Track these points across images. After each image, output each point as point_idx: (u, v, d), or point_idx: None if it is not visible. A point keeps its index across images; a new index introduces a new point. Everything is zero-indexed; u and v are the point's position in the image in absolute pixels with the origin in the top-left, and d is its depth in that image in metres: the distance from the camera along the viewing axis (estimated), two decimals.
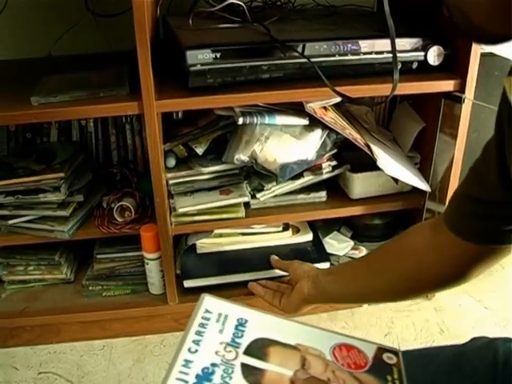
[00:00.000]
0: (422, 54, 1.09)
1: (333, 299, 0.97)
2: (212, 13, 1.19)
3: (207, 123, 1.18)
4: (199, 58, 0.97)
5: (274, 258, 1.22)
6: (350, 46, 1.05)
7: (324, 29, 1.15)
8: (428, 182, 1.24)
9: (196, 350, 0.54)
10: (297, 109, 1.11)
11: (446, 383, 0.67)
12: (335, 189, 1.28)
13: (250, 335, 0.57)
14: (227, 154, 1.16)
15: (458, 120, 1.12)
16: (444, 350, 0.73)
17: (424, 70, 1.10)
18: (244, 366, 0.53)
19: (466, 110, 1.11)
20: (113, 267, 1.27)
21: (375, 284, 0.84)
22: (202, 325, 0.58)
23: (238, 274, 1.24)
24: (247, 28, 1.13)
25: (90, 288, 1.26)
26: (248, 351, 0.55)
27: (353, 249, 1.35)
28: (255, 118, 1.09)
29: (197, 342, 0.55)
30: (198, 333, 0.56)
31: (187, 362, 0.53)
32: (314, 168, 1.20)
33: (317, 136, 1.15)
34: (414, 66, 1.10)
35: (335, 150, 1.21)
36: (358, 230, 1.39)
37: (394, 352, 0.60)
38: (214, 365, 0.53)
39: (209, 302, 0.62)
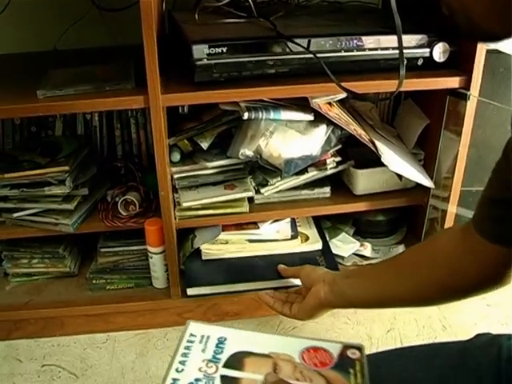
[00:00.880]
0: (428, 50, 1.09)
1: (351, 303, 0.93)
2: (218, 8, 1.19)
3: (212, 118, 1.18)
4: (205, 52, 0.98)
5: (282, 266, 1.19)
6: (355, 41, 1.05)
7: (329, 25, 1.16)
8: (432, 179, 1.24)
9: (182, 370, 0.63)
10: (302, 104, 1.11)
11: (451, 378, 0.68)
12: (339, 185, 1.28)
13: (228, 351, 0.67)
14: (232, 149, 1.16)
15: (463, 117, 1.12)
16: (449, 346, 0.73)
17: (429, 67, 1.10)
18: (223, 378, 0.62)
19: (470, 107, 1.11)
20: (117, 261, 1.27)
21: (402, 288, 0.81)
22: (187, 347, 0.67)
23: (244, 282, 1.21)
24: (253, 23, 1.13)
25: (94, 281, 1.27)
26: (227, 364, 0.64)
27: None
28: (260, 113, 1.09)
29: (183, 363, 0.64)
30: (184, 354, 0.66)
31: (175, 381, 0.61)
32: (319, 163, 1.21)
33: (322, 131, 1.15)
34: (420, 62, 1.10)
35: (340, 146, 1.21)
36: (361, 226, 1.39)
37: (358, 347, 0.68)
38: (197, 380, 0.62)
39: (193, 327, 0.72)
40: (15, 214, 1.14)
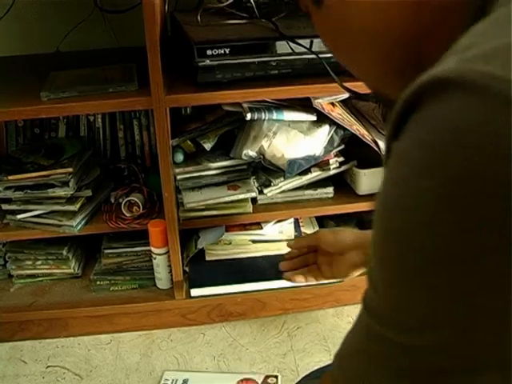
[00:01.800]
0: None
1: None
2: (220, 9, 1.19)
3: (215, 119, 1.19)
4: (208, 53, 0.98)
5: (290, 244, 1.06)
6: None
7: None
8: None
9: None
10: (305, 105, 1.12)
11: None
12: (342, 185, 1.28)
13: None
14: (235, 150, 1.16)
15: None
16: None
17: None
18: None
19: None
20: (120, 262, 1.28)
21: None
22: None
23: (248, 283, 1.22)
24: (255, 24, 1.13)
25: (98, 283, 1.27)
26: None
27: None
28: (263, 114, 1.09)
29: None
30: None
31: None
32: (322, 164, 1.21)
33: (324, 132, 1.15)
34: None
35: (342, 146, 1.21)
36: (364, 226, 1.39)
37: (275, 376, 1.12)
38: None
39: (167, 374, 1.13)
40: (19, 216, 1.14)
